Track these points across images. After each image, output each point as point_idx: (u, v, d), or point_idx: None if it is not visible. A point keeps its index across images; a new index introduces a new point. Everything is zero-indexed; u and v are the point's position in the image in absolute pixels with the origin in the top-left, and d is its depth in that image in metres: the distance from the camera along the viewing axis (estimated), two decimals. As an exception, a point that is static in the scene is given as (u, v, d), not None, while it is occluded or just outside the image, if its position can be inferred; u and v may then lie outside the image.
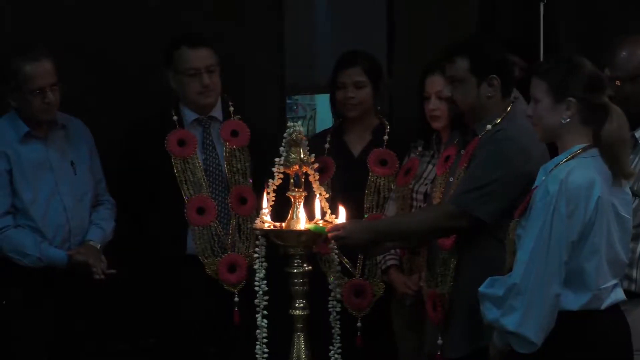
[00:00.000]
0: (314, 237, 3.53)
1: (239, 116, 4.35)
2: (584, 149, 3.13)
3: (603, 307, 3.11)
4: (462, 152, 3.67)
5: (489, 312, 3.14)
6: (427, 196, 4.00)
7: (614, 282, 3.15)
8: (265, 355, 3.56)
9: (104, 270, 4.04)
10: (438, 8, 5.20)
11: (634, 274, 3.63)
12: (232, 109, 4.35)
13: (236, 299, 4.21)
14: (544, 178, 3.14)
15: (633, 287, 3.62)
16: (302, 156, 3.51)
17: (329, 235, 3.51)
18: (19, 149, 4.10)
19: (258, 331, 3.57)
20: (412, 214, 4.01)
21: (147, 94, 4.50)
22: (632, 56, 3.74)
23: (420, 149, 4.22)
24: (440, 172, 3.76)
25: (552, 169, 3.14)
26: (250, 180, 4.29)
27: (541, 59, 5.10)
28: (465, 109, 3.66)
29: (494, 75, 3.60)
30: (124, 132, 4.38)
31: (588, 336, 3.10)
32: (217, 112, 4.35)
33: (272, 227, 3.55)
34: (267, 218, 3.57)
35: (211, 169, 4.30)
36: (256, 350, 3.56)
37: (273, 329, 3.58)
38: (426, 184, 4.08)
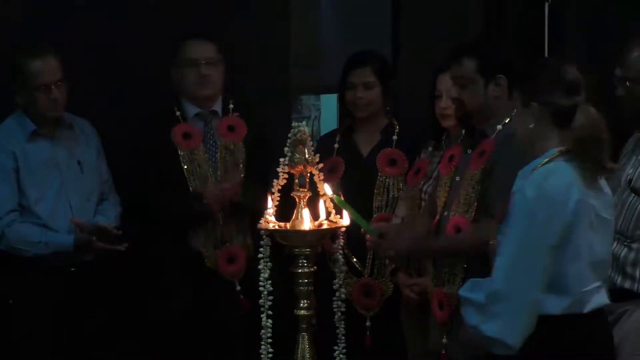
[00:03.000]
0: (319, 236, 3.53)
1: (237, 113, 4.36)
2: (562, 152, 3.05)
3: (586, 310, 3.04)
4: (469, 151, 3.67)
5: (470, 318, 3.07)
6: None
7: (596, 284, 3.07)
8: (270, 355, 3.56)
9: (111, 242, 4.04)
10: (443, 8, 5.19)
11: (637, 274, 3.62)
12: (231, 106, 4.37)
13: (238, 287, 4.23)
14: (522, 182, 3.06)
15: (636, 286, 3.61)
16: (306, 156, 3.51)
17: (367, 243, 3.61)
18: (26, 147, 4.12)
19: (263, 331, 3.57)
20: (464, 234, 3.73)
21: (154, 94, 4.51)
22: None
23: (430, 149, 4.21)
24: (444, 171, 3.74)
25: (529, 173, 3.05)
26: (242, 175, 4.29)
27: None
28: (472, 110, 3.65)
29: (501, 75, 3.59)
30: (130, 130, 4.39)
31: (570, 340, 3.03)
32: (217, 107, 4.38)
33: (276, 227, 3.56)
34: (272, 218, 3.57)
35: (211, 162, 4.30)
36: (261, 351, 3.56)
37: (276, 329, 3.58)
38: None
